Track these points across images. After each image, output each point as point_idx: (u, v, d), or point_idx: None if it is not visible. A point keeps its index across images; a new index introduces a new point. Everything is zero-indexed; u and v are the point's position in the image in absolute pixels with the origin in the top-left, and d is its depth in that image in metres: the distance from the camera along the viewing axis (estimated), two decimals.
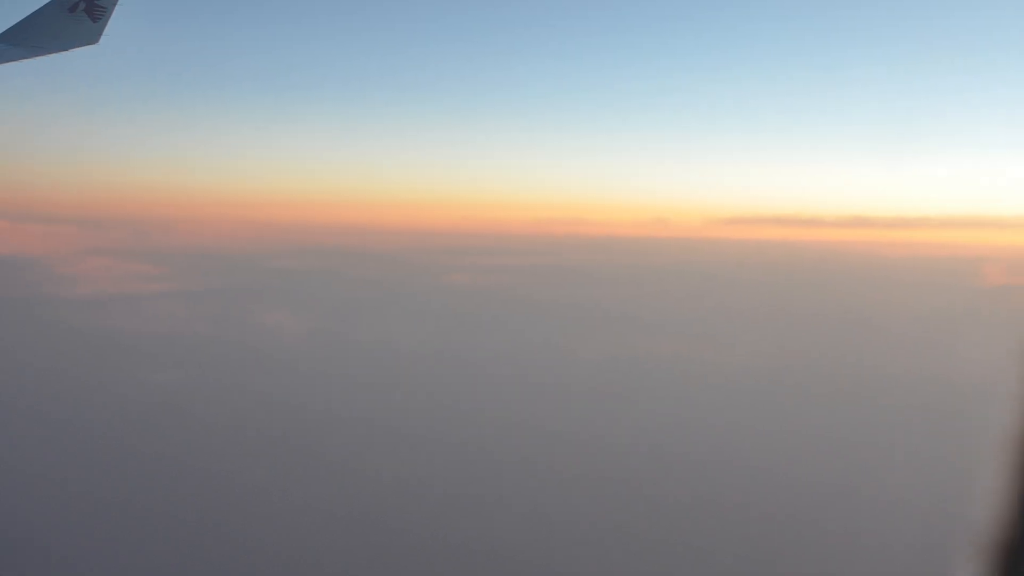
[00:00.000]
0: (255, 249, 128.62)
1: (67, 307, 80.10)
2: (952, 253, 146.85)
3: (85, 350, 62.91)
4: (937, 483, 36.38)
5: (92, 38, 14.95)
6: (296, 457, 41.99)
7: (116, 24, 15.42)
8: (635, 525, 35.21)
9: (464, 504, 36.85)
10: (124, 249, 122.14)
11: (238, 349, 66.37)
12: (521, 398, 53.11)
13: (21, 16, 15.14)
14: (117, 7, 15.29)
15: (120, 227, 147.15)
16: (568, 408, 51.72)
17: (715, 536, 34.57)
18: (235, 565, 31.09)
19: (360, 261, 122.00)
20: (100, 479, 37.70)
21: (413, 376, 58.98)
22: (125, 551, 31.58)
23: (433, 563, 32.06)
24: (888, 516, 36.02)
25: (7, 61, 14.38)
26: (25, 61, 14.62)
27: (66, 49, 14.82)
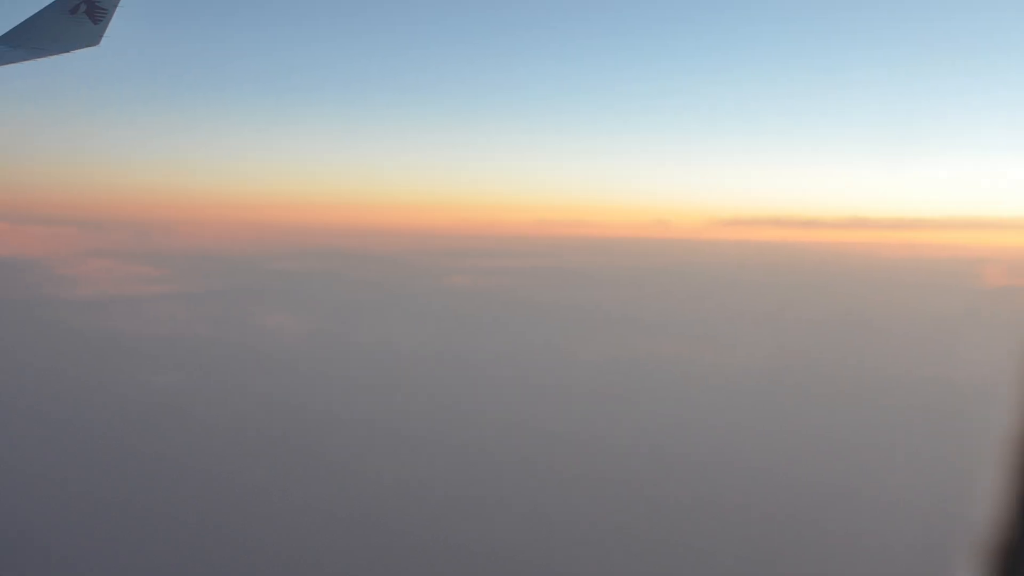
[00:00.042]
0: (256, 251, 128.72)
1: (68, 308, 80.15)
2: (952, 254, 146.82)
3: (86, 351, 62.95)
4: (937, 484, 36.40)
5: (93, 40, 14.98)
6: (297, 458, 42.02)
7: (117, 26, 15.46)
8: (636, 526, 35.23)
9: (465, 505, 36.88)
10: (125, 251, 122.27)
11: (239, 350, 66.40)
12: (522, 399, 53.12)
13: (22, 18, 15.19)
14: (118, 9, 15.33)
15: (121, 229, 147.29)
16: (568, 409, 51.73)
17: (716, 537, 34.59)
18: (235, 565, 31.12)
19: (361, 263, 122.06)
20: (100, 479, 37.76)
21: (414, 377, 59.01)
22: (125, 551, 31.61)
23: (434, 564, 32.08)
24: (888, 517, 36.04)
25: (8, 63, 14.41)
26: (26, 63, 14.66)
27: (67, 51, 14.85)
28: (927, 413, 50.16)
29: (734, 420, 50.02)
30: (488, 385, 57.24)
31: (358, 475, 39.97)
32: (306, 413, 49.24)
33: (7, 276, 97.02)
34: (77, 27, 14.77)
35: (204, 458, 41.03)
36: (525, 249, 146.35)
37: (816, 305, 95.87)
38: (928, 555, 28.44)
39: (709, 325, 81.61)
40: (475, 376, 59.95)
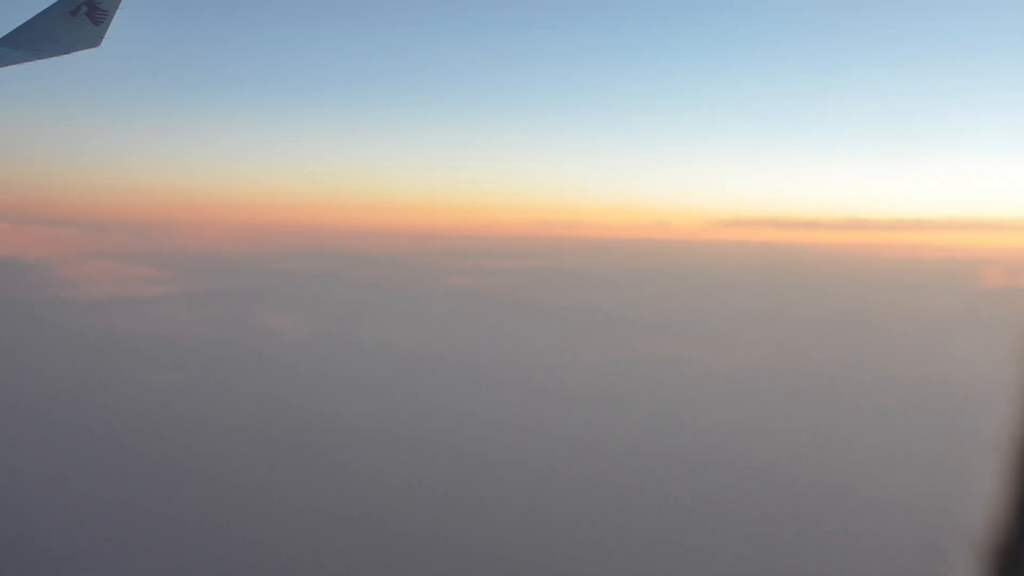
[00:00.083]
0: (257, 252, 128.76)
1: (69, 309, 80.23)
2: (951, 255, 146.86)
3: (86, 352, 63.02)
4: (936, 484, 36.40)
5: (94, 41, 15.02)
6: (297, 458, 42.08)
7: (118, 27, 15.49)
8: (636, 526, 35.28)
9: (465, 505, 36.93)
10: (126, 251, 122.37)
11: (239, 351, 66.47)
12: (522, 400, 53.15)
13: (22, 20, 15.24)
14: (119, 10, 15.36)
15: (122, 230, 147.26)
16: (568, 410, 51.76)
17: (716, 537, 34.63)
18: (235, 565, 31.18)
19: (362, 264, 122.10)
20: (101, 480, 37.83)
21: (414, 378, 59.05)
22: (125, 551, 31.67)
23: (434, 564, 32.13)
24: (887, 517, 36.09)
25: (8, 64, 14.45)
26: (27, 64, 14.69)
27: (68, 52, 14.88)
28: (926, 413, 50.19)
29: (734, 421, 50.06)
30: (488, 386, 57.26)
31: (358, 476, 40.02)
32: (306, 414, 49.29)
33: (8, 277, 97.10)
34: (78, 28, 14.80)
35: (204, 458, 41.09)
36: (525, 250, 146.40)
37: (816, 306, 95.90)
38: (927, 555, 28.45)
39: (709, 326, 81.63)
40: (475, 377, 59.98)
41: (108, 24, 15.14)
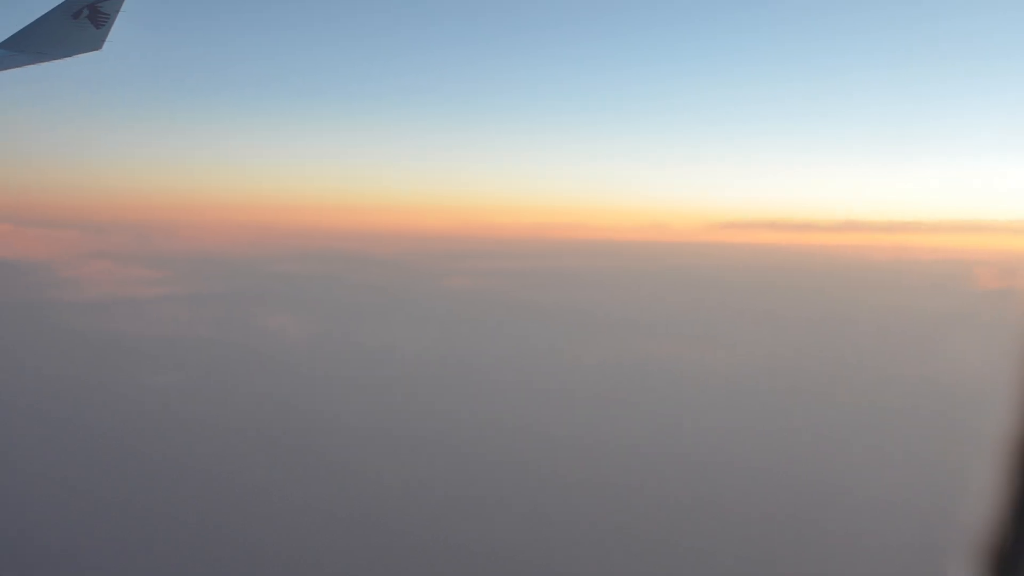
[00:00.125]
0: (257, 253, 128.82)
1: (70, 310, 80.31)
2: (946, 257, 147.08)
3: (87, 352, 63.11)
4: (934, 483, 36.44)
5: (95, 44, 15.11)
6: (297, 459, 42.14)
7: (119, 30, 15.58)
8: (636, 526, 35.33)
9: (465, 506, 36.97)
10: (126, 253, 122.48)
11: (240, 352, 66.52)
12: (522, 401, 53.18)
13: (25, 23, 15.33)
14: (120, 13, 15.45)
15: (122, 231, 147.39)
16: (568, 410, 51.80)
17: (716, 537, 34.67)
18: (235, 565, 31.25)
19: (362, 265, 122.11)
20: (101, 480, 37.90)
21: (415, 379, 59.09)
22: (125, 551, 31.74)
23: (434, 564, 32.19)
24: (886, 516, 36.14)
25: (11, 67, 14.54)
26: (29, 67, 14.79)
27: (70, 55, 14.97)
28: (923, 413, 50.27)
29: (733, 421, 50.12)
30: (488, 387, 57.30)
31: (358, 476, 40.08)
32: (307, 414, 49.35)
33: (9, 278, 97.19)
34: (79, 32, 14.89)
35: (205, 458, 41.16)
36: (525, 251, 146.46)
37: (813, 307, 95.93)
38: (925, 554, 28.49)
39: (707, 327, 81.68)
40: (475, 378, 60.02)
41: (109, 27, 15.24)
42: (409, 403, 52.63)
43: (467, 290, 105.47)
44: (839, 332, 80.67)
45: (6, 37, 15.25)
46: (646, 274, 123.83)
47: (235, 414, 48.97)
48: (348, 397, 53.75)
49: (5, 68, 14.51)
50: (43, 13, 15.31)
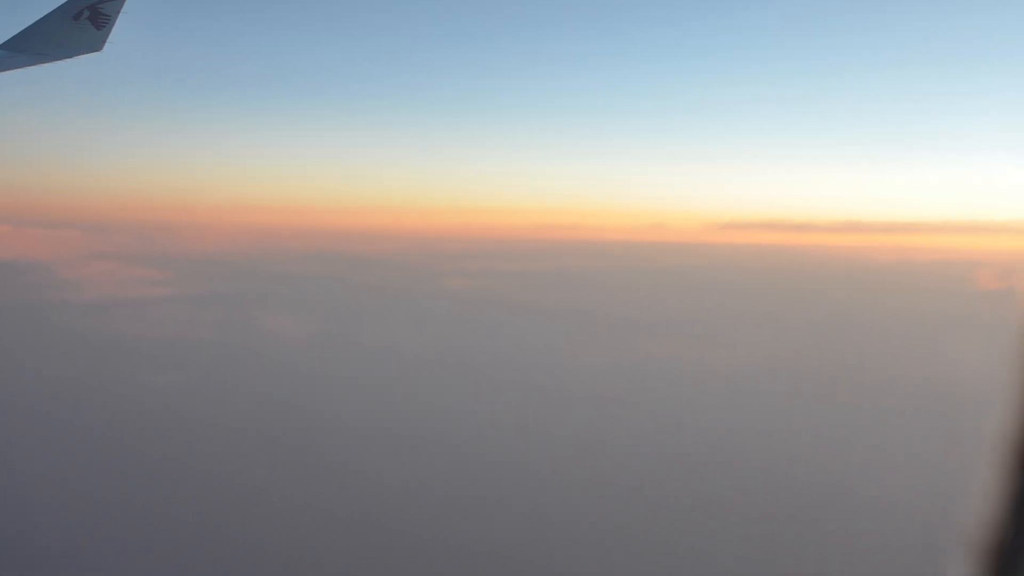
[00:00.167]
0: (258, 254, 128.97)
1: (71, 311, 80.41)
2: (946, 258, 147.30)
3: (88, 353, 63.18)
4: (934, 483, 36.45)
5: (96, 45, 15.14)
6: (297, 459, 42.18)
7: (120, 31, 15.62)
8: (636, 526, 35.34)
9: (465, 506, 37.00)
10: (128, 254, 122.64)
11: (241, 352, 66.59)
12: (522, 401, 53.23)
13: (25, 24, 15.38)
14: (121, 14, 15.49)
15: (124, 232, 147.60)
16: (568, 410, 51.84)
17: (716, 537, 34.69)
18: (235, 565, 31.30)
19: (362, 266, 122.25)
20: (101, 480, 37.96)
21: (415, 379, 59.15)
22: (125, 551, 31.79)
23: (434, 564, 32.22)
24: (886, 516, 36.16)
25: (12, 68, 14.58)
26: (30, 68, 14.83)
27: (70, 56, 15.01)
28: (922, 414, 50.31)
29: (733, 421, 50.16)
30: (488, 387, 57.36)
31: (358, 476, 40.12)
32: (307, 414, 49.40)
33: (11, 279, 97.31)
34: (80, 33, 14.92)
35: (205, 458, 41.21)
36: (524, 252, 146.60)
37: (812, 307, 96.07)
38: (926, 555, 28.52)
39: (707, 327, 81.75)
40: (475, 378, 60.08)
41: (110, 28, 15.27)
42: (409, 403, 52.68)
43: (467, 290, 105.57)
44: (839, 332, 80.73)
45: (7, 38, 15.30)
46: (646, 274, 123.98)
47: (235, 414, 49.03)
48: (348, 397, 53.80)
49: (6, 69, 14.55)
50: (44, 14, 15.36)
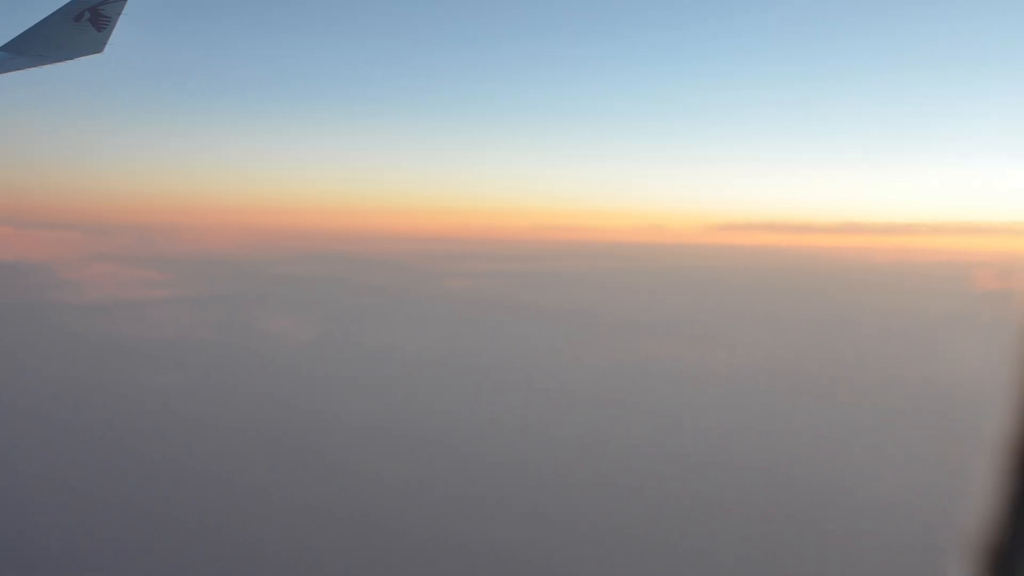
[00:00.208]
0: (259, 255, 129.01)
1: (72, 312, 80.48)
2: (945, 259, 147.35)
3: (89, 354, 63.24)
4: (933, 483, 36.50)
5: (97, 47, 15.18)
6: (298, 459, 42.24)
7: (120, 33, 15.66)
8: (636, 526, 35.39)
9: (465, 506, 37.05)
10: (129, 255, 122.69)
11: (242, 353, 66.63)
12: (523, 401, 53.27)
13: (26, 26, 15.42)
14: (121, 16, 15.53)
15: (125, 233, 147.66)
16: (569, 411, 51.88)
17: (716, 537, 34.73)
18: (235, 565, 31.35)
19: (363, 266, 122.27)
20: (101, 480, 38.02)
21: (416, 380, 59.19)
22: (125, 551, 31.84)
23: (434, 564, 32.26)
24: (885, 516, 36.21)
25: (12, 70, 14.63)
26: (30, 70, 14.88)
27: (71, 58, 15.05)
28: (922, 414, 50.35)
29: (733, 421, 50.21)
30: (489, 387, 57.39)
31: (359, 476, 40.17)
32: (308, 415, 49.45)
33: (12, 280, 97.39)
34: (81, 35, 14.96)
35: (205, 459, 41.27)
36: (525, 253, 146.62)
37: (813, 308, 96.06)
38: (925, 555, 28.57)
39: (707, 328, 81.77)
40: (476, 378, 60.12)
41: (111, 30, 15.32)
42: (409, 403, 52.73)
43: (467, 291, 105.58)
44: (839, 333, 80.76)
45: (7, 40, 15.35)
46: (646, 275, 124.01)
47: (236, 414, 49.09)
48: (349, 397, 53.85)
49: (6, 71, 14.59)
50: (44, 16, 15.40)
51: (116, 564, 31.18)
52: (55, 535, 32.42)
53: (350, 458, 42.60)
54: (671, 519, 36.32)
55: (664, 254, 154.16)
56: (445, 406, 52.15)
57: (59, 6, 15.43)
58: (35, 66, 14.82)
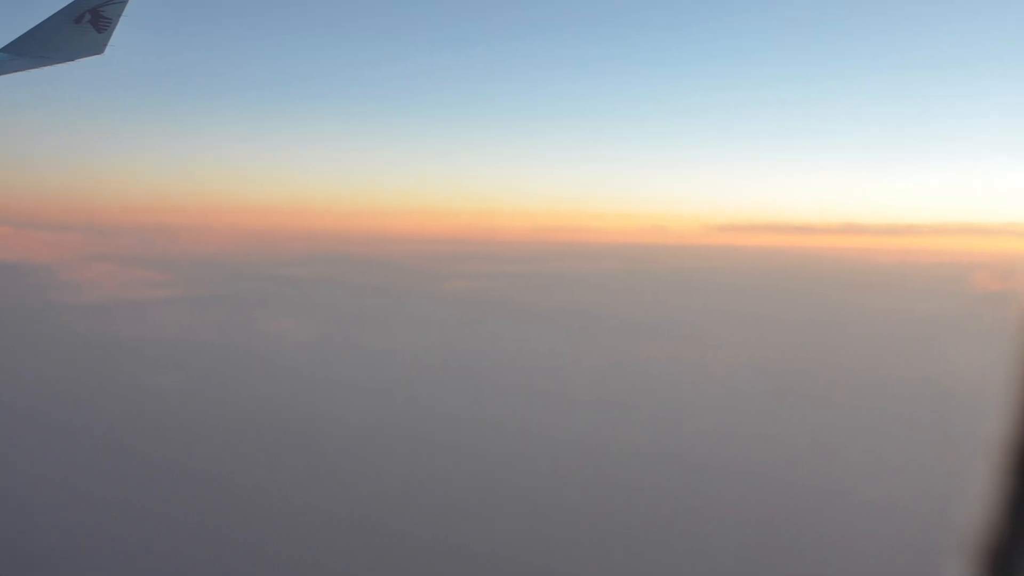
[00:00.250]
0: (259, 256, 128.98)
1: (72, 313, 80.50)
2: (944, 259, 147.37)
3: (89, 354, 63.27)
4: (931, 486, 36.52)
5: (97, 49, 15.25)
6: (298, 459, 42.29)
7: (121, 34, 15.73)
8: (636, 527, 35.44)
9: (465, 507, 37.10)
10: (129, 256, 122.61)
11: (243, 355, 66.66)
12: (523, 403, 53.29)
13: (27, 27, 15.49)
14: (122, 17, 15.60)
15: (125, 234, 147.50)
16: (569, 412, 51.91)
17: (715, 538, 34.78)
18: (235, 565, 31.40)
19: (364, 268, 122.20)
20: (101, 480, 38.06)
21: (416, 381, 59.21)
22: (125, 551, 31.89)
23: (434, 564, 32.31)
24: (884, 519, 36.25)
25: (14, 71, 14.70)
26: (31, 71, 14.95)
27: (72, 59, 15.13)
28: (920, 416, 50.33)
29: (732, 423, 50.24)
30: (489, 389, 57.42)
31: (359, 477, 40.22)
32: (308, 416, 49.48)
33: (12, 280, 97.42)
34: (81, 36, 15.03)
35: (205, 459, 41.32)
36: (525, 255, 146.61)
37: (812, 309, 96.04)
38: (922, 556, 28.61)
39: (706, 330, 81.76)
40: (476, 380, 60.15)
41: (111, 32, 15.39)
42: (410, 405, 52.76)
43: (468, 293, 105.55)
44: (838, 335, 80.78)
45: (9, 41, 15.42)
46: (646, 277, 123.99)
47: (236, 415, 49.14)
48: (349, 399, 53.87)
49: (7, 72, 14.66)
50: (45, 18, 15.47)
51: (116, 564, 31.23)
52: (55, 535, 32.46)
53: (350, 459, 42.65)
54: (670, 520, 36.39)
55: (665, 255, 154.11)
56: (446, 407, 52.19)
57: (60, 8, 15.51)
58: (36, 67, 14.89)
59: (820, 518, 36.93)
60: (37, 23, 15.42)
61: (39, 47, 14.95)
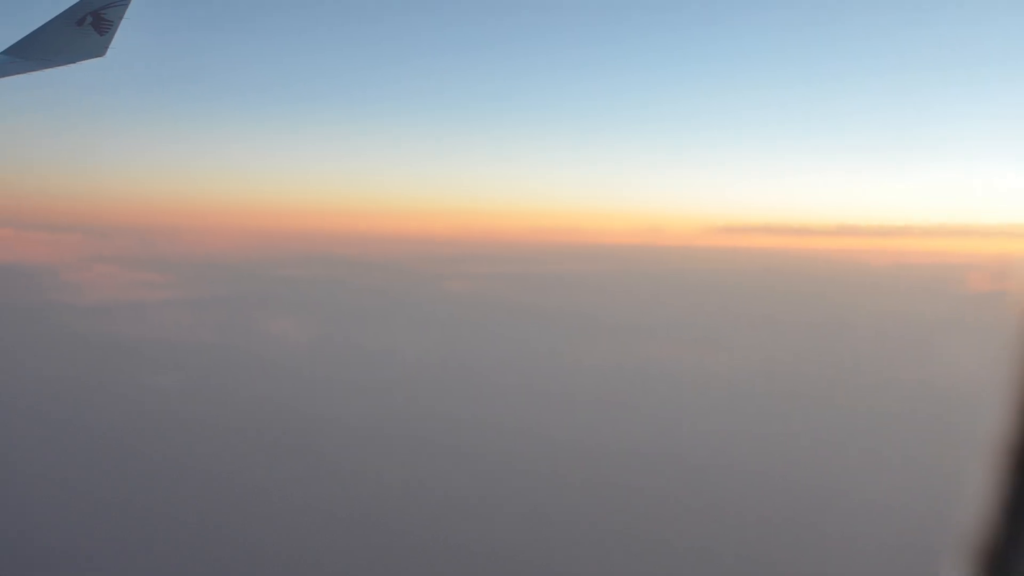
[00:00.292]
0: (260, 257, 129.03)
1: (73, 314, 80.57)
2: (941, 261, 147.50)
3: (90, 355, 63.33)
4: (930, 487, 36.57)
5: (99, 51, 15.30)
6: (298, 460, 42.34)
7: (122, 36, 15.78)
8: (636, 527, 35.49)
9: (465, 507, 37.14)
10: (129, 257, 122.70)
11: (243, 356, 66.72)
12: (523, 404, 53.34)
13: (29, 30, 15.55)
14: (124, 20, 15.65)
15: (126, 235, 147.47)
16: (569, 413, 51.97)
17: (715, 538, 34.84)
18: (235, 565, 31.44)
19: (365, 269, 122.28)
20: (101, 480, 38.10)
21: (416, 382, 59.26)
22: (125, 551, 31.93)
23: (434, 564, 32.36)
24: (883, 519, 36.32)
25: (15, 73, 14.76)
26: (33, 73, 15.00)
27: (73, 62, 15.17)
28: (919, 417, 50.41)
29: (732, 424, 50.31)
30: (489, 390, 57.47)
31: (359, 477, 40.26)
32: (309, 417, 49.53)
33: (13, 282, 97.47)
34: (83, 38, 15.08)
35: (205, 459, 41.37)
36: (525, 255, 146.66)
37: (810, 311, 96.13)
38: (921, 557, 28.67)
39: (706, 331, 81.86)
40: (476, 381, 60.20)
41: (113, 34, 15.45)
42: (410, 405, 52.80)
43: (468, 293, 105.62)
44: (836, 336, 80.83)
45: (10, 44, 15.49)
46: (645, 277, 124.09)
47: (236, 415, 49.18)
48: (349, 399, 53.91)
49: (9, 74, 14.72)
50: (47, 20, 15.52)
51: (116, 564, 31.27)
52: (55, 535, 32.50)
53: (350, 459, 42.69)
54: (670, 520, 36.44)
55: (663, 256, 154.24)
56: (445, 408, 52.23)
57: (61, 10, 15.57)
58: (37, 70, 14.96)
59: (820, 518, 36.99)
60: (38, 26, 15.48)
61: (41, 49, 15.00)
